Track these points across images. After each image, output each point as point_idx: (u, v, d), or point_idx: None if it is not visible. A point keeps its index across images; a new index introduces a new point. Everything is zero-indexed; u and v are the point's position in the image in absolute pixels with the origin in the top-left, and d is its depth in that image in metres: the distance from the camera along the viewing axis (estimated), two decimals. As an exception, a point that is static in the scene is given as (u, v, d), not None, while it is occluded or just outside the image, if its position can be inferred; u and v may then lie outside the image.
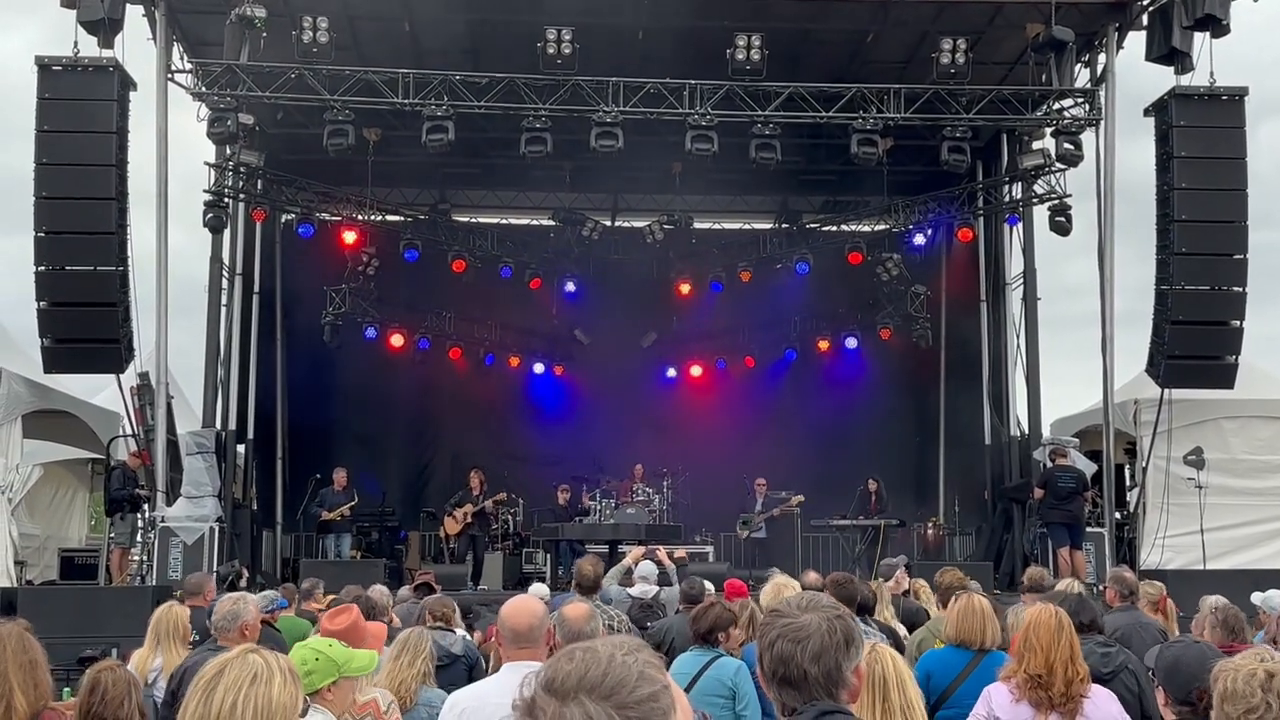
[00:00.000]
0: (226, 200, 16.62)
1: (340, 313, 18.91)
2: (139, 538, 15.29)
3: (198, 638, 6.97)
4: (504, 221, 21.35)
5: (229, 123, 14.67)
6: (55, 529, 19.62)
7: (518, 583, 15.51)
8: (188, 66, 15.45)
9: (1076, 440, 16.53)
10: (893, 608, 8.34)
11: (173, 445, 15.41)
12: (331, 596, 9.52)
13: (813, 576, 8.73)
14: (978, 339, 19.28)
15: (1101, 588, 9.98)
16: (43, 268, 13.83)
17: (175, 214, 15.09)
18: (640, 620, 8.52)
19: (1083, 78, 16.03)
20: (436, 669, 5.98)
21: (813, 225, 20.64)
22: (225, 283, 17.33)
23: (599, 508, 16.69)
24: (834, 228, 20.52)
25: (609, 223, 21.10)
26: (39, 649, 3.49)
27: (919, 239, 19.30)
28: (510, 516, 18.03)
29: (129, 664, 6.22)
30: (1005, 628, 5.69)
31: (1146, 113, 15.34)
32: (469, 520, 17.40)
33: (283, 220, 19.44)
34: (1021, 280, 18.31)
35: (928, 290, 19.71)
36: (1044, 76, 15.68)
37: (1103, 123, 15.44)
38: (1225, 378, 14.78)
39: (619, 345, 20.64)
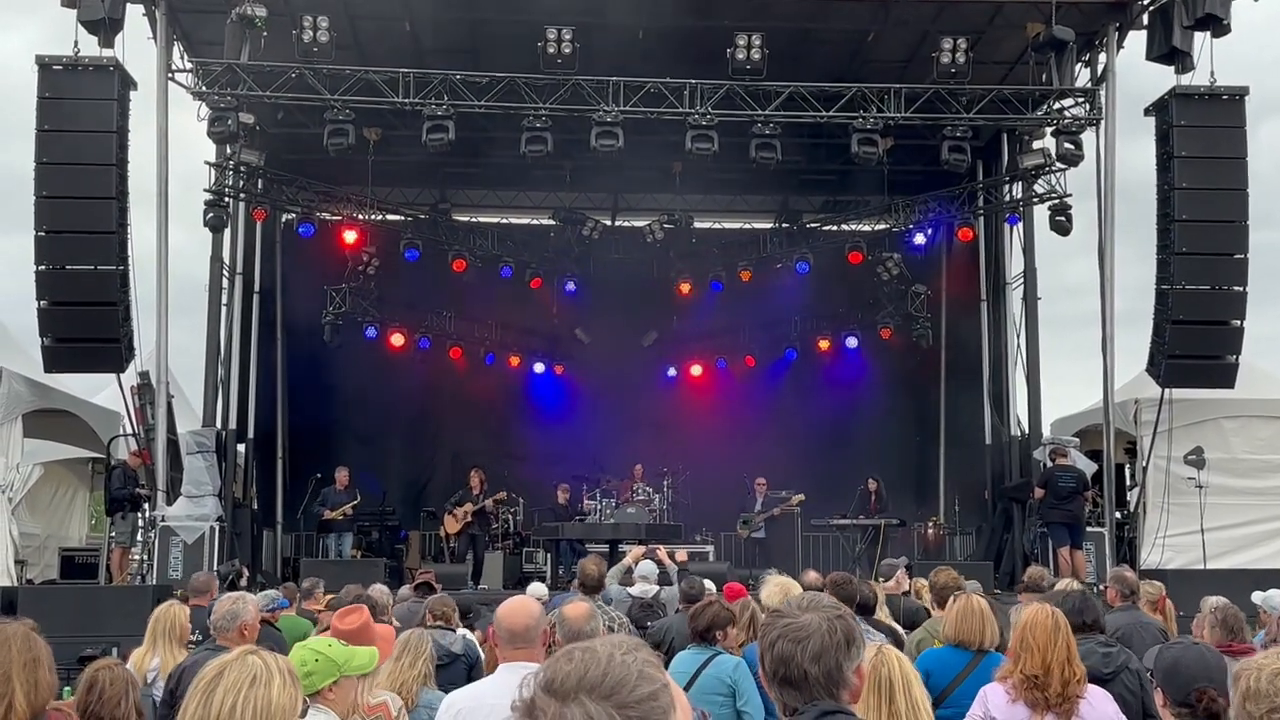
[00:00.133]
0: (227, 200, 16.62)
1: (341, 312, 18.93)
2: (139, 537, 15.29)
3: (200, 636, 6.97)
4: (504, 221, 21.35)
5: (229, 122, 14.67)
6: (55, 528, 19.62)
7: (518, 582, 15.51)
8: (188, 66, 15.44)
9: (1077, 440, 16.52)
10: (887, 608, 8.33)
11: (173, 444, 15.42)
12: (330, 596, 9.52)
13: (813, 576, 8.72)
14: (978, 339, 19.27)
15: (1102, 587, 9.98)
16: (43, 267, 13.83)
17: (175, 213, 15.12)
18: (640, 620, 8.53)
19: (1083, 77, 16.03)
20: (436, 668, 5.98)
21: (813, 225, 20.65)
22: (225, 282, 17.33)
23: (599, 507, 16.70)
24: (834, 227, 20.53)
25: (609, 222, 21.10)
26: (43, 647, 3.48)
27: (919, 238, 19.30)
28: (510, 516, 18.04)
29: (127, 663, 6.21)
30: (1009, 625, 5.67)
31: (1147, 112, 15.34)
32: (469, 519, 17.41)
33: (283, 220, 19.43)
34: (1022, 280, 18.31)
35: (928, 290, 19.73)
36: (1044, 76, 15.68)
37: (1103, 122, 15.44)
38: (1226, 377, 14.78)
39: (619, 345, 20.64)
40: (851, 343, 20.42)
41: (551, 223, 20.86)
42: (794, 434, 19.75)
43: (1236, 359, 14.74)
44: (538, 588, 10.15)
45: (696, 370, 21.46)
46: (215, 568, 13.41)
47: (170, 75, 15.04)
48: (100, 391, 17.24)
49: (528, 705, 1.62)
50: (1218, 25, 14.33)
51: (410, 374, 20.40)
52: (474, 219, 21.18)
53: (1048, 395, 17.95)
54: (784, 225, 21.15)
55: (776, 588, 6.87)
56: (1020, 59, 16.29)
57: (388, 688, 5.19)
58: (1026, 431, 17.95)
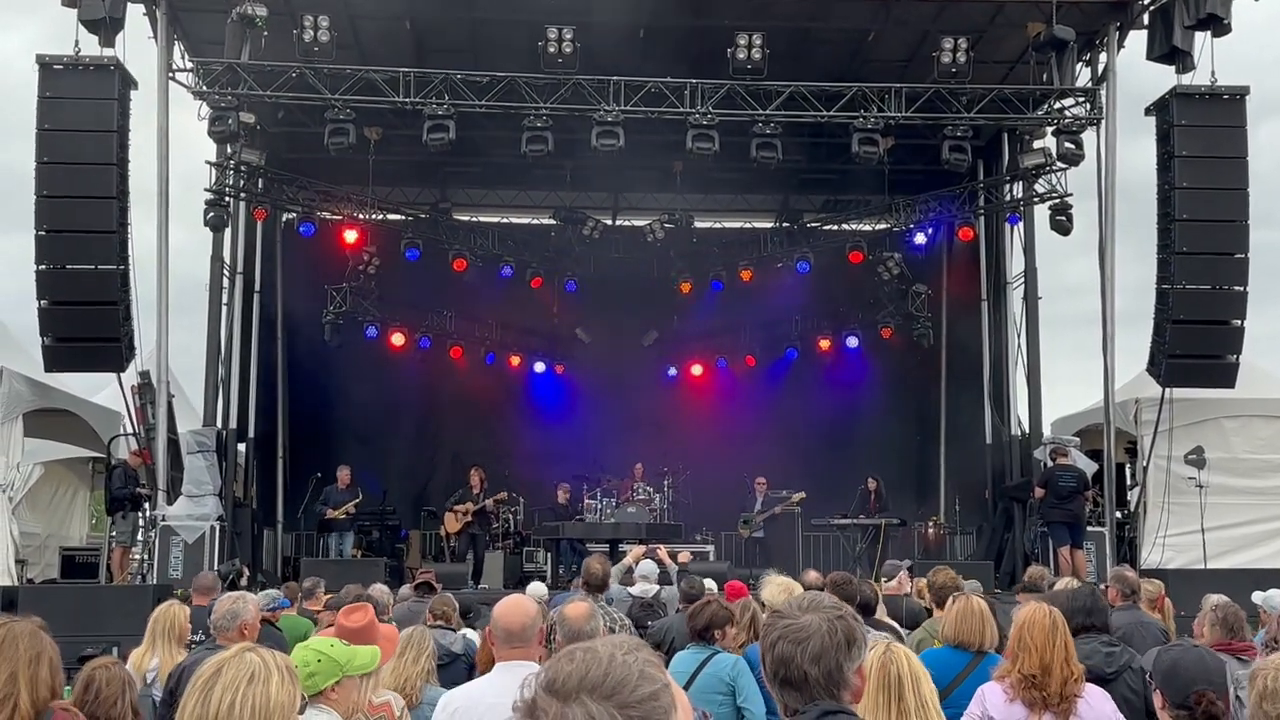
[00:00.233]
0: (227, 199, 16.61)
1: (341, 311, 18.92)
2: (140, 536, 15.30)
3: (202, 636, 6.96)
4: (505, 220, 21.35)
5: (230, 121, 14.66)
6: (56, 527, 19.62)
7: (518, 581, 15.51)
8: (189, 65, 15.43)
9: (1077, 439, 16.51)
10: (888, 608, 8.32)
11: (173, 444, 15.42)
12: (330, 595, 9.52)
13: (813, 576, 8.72)
14: (978, 338, 19.26)
15: (1102, 587, 9.97)
16: (43, 266, 13.83)
17: (176, 213, 15.12)
18: (641, 619, 8.53)
19: (1084, 77, 16.03)
20: (437, 667, 5.98)
21: (814, 224, 20.65)
22: (226, 281, 17.32)
23: (599, 507, 16.70)
24: (835, 227, 20.53)
25: (610, 222, 21.10)
26: (48, 645, 3.48)
27: (920, 238, 19.30)
28: (511, 515, 18.05)
29: (127, 663, 6.21)
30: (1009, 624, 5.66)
31: (1148, 112, 15.34)
32: (469, 519, 17.40)
33: (284, 219, 19.43)
34: (1022, 279, 18.30)
35: (928, 289, 19.72)
36: (1045, 76, 15.67)
37: (1104, 122, 15.43)
38: (1226, 377, 14.78)
39: (620, 344, 20.65)
40: (852, 342, 20.41)
41: (552, 222, 20.87)
42: (794, 433, 19.76)
43: (1237, 358, 14.75)
44: (538, 587, 10.16)
45: (697, 370, 21.46)
46: (216, 567, 13.41)
47: (171, 74, 15.04)
48: (100, 391, 17.24)
49: (529, 705, 1.62)
50: (1218, 25, 14.33)
51: (411, 373, 20.39)
52: (474, 218, 21.17)
53: (1048, 395, 17.99)
54: (784, 225, 21.15)
55: (779, 588, 6.86)
56: (1021, 58, 16.29)
57: (391, 685, 5.18)
58: (1027, 431, 17.95)
